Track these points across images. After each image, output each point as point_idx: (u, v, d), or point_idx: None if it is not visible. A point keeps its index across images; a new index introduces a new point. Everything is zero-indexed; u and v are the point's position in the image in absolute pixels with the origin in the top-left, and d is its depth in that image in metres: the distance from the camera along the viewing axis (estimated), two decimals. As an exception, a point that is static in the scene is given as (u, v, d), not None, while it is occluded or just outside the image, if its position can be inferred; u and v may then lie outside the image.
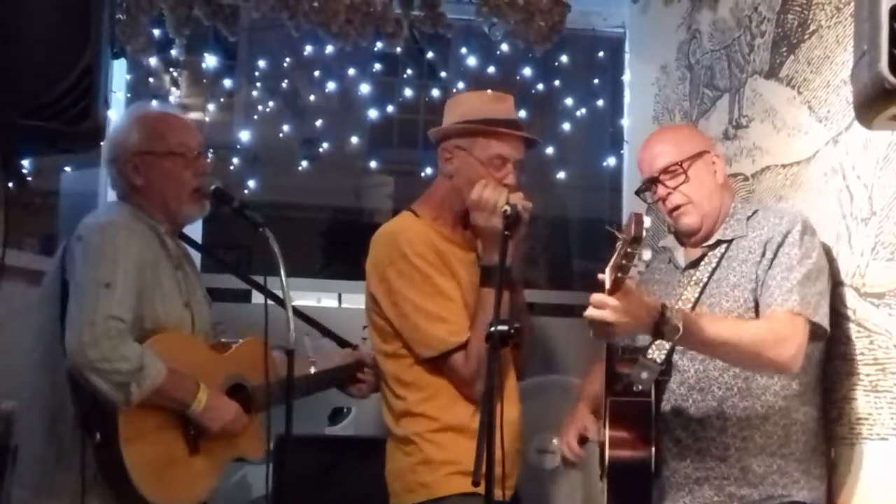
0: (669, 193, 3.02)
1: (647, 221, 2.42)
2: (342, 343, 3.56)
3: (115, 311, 2.74)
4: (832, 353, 2.94)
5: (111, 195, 3.27)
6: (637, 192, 3.18)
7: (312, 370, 3.37)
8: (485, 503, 2.38)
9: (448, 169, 3.18)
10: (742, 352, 2.73)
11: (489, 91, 3.28)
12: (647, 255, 2.52)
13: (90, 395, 2.72)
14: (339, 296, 6.63)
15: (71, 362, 2.70)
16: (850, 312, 2.91)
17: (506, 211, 2.93)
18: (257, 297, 3.58)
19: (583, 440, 3.21)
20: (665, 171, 3.01)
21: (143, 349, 2.76)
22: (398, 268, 3.06)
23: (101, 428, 2.74)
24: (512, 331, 2.48)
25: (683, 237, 3.11)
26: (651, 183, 3.06)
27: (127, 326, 2.75)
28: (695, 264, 3.02)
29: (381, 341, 3.16)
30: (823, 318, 2.80)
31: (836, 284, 2.94)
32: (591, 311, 2.55)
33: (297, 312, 3.03)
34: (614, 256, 2.49)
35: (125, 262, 2.83)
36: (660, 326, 2.60)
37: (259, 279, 3.24)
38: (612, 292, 2.52)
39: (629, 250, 2.43)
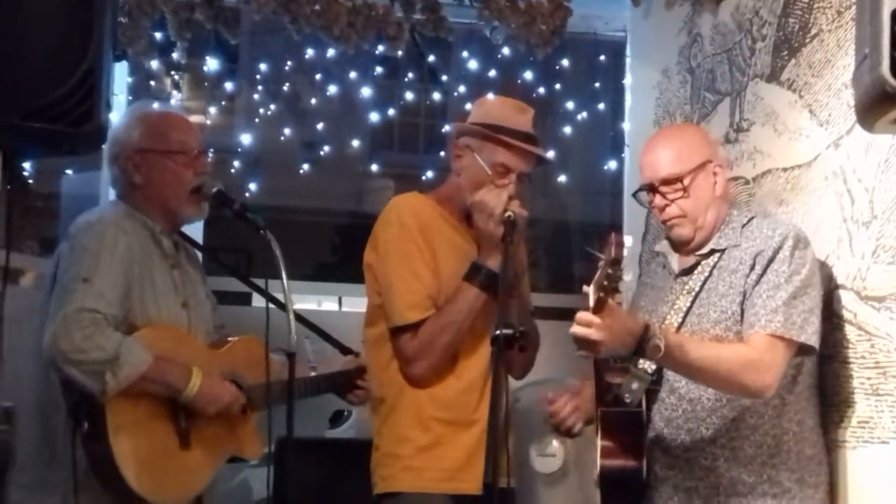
0: (666, 204, 2.99)
1: (627, 241, 2.44)
2: (344, 349, 3.55)
3: (90, 303, 2.75)
4: (833, 356, 2.94)
5: (111, 197, 3.27)
6: (634, 194, 3.18)
7: (312, 374, 3.37)
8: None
9: (456, 166, 3.22)
10: (719, 377, 2.75)
11: (513, 100, 3.30)
12: (627, 276, 2.54)
13: (79, 386, 2.72)
14: (340, 299, 6.64)
15: (45, 355, 2.71)
16: (850, 316, 2.91)
17: (510, 216, 2.97)
18: (258, 300, 3.58)
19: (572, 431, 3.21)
20: (665, 181, 2.98)
21: (123, 339, 2.76)
22: (384, 236, 3.14)
23: (89, 418, 2.74)
24: (517, 334, 2.49)
25: (677, 244, 3.10)
26: (649, 189, 3.04)
27: (104, 317, 2.75)
28: (688, 272, 3.01)
29: (371, 325, 3.20)
30: (811, 337, 2.78)
31: (836, 288, 2.95)
32: (576, 329, 2.57)
33: (299, 317, 3.03)
34: (597, 275, 2.50)
35: (109, 257, 2.83)
36: (642, 345, 2.61)
37: (260, 282, 3.24)
38: (596, 311, 2.53)
39: (610, 272, 2.44)
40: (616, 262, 2.42)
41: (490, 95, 3.42)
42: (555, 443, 4.38)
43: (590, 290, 2.55)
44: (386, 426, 3.12)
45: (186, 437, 2.91)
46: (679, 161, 2.98)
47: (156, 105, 3.45)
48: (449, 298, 3.06)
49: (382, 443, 3.13)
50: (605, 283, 2.47)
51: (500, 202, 3.02)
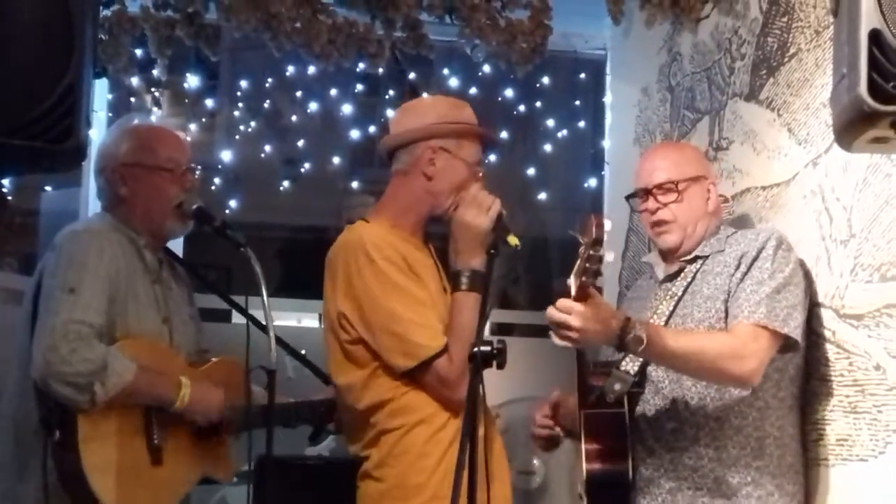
0: (658, 208, 3.04)
1: (607, 224, 2.43)
2: (326, 379, 3.42)
3: (78, 315, 2.73)
4: (812, 373, 2.95)
5: (94, 211, 3.26)
6: (627, 198, 3.20)
7: (291, 400, 3.30)
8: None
9: (429, 170, 3.01)
10: (703, 366, 2.76)
11: (447, 97, 3.25)
12: (609, 257, 2.53)
13: (63, 401, 2.70)
14: (320, 316, 6.60)
15: (35, 370, 2.68)
16: (829, 334, 2.92)
17: (517, 246, 2.85)
18: (237, 317, 3.55)
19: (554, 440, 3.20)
20: (660, 186, 3.04)
21: (108, 350, 2.74)
22: (366, 276, 2.87)
23: (61, 427, 2.71)
24: (495, 351, 2.45)
25: (664, 252, 3.12)
26: (643, 194, 3.08)
27: (92, 330, 2.74)
28: (671, 278, 3.05)
29: (348, 372, 2.94)
30: (794, 330, 2.80)
31: (815, 305, 2.96)
32: (552, 312, 2.56)
33: (280, 341, 3.00)
34: (578, 262, 2.50)
35: (94, 267, 2.82)
36: (624, 337, 2.61)
37: (240, 299, 3.22)
38: (578, 298, 2.53)
39: (591, 253, 2.44)
40: (597, 242, 2.41)
41: (420, 99, 3.32)
42: (535, 461, 4.38)
43: (570, 280, 2.54)
44: (392, 456, 2.87)
45: (158, 453, 2.88)
46: (675, 168, 3.06)
47: (145, 119, 3.44)
48: (452, 314, 2.88)
49: (390, 474, 2.87)
50: (587, 265, 2.46)
51: (495, 200, 2.90)
